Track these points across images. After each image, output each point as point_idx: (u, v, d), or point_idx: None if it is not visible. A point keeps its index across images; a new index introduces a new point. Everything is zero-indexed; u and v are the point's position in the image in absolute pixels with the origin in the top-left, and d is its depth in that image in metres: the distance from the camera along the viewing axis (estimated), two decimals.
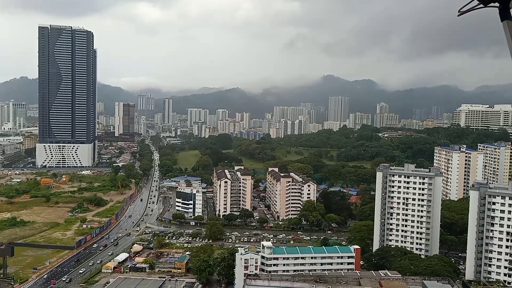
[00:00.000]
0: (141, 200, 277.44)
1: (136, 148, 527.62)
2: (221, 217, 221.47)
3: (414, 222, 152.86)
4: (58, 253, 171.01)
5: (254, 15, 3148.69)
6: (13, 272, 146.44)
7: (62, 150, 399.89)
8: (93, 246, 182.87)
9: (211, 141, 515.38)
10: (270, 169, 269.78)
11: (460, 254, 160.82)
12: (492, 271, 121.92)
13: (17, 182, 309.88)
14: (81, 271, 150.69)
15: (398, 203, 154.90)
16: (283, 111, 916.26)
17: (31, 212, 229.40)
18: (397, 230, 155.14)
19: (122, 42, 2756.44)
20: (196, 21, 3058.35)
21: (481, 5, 9.42)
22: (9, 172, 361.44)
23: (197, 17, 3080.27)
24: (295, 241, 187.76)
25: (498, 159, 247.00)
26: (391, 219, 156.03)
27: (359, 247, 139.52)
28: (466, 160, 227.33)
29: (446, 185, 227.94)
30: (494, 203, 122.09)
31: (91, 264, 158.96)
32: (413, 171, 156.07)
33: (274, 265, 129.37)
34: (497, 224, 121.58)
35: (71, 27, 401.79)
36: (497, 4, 9.37)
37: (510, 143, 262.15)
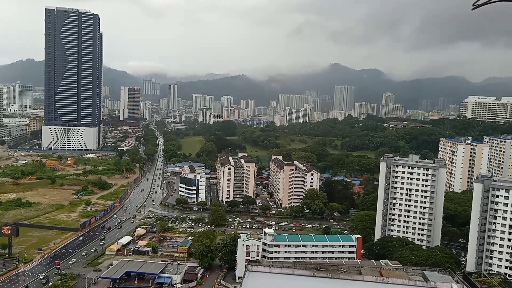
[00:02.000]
0: (147, 179, 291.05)
1: (140, 133, 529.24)
2: (224, 203, 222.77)
3: (416, 213, 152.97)
4: (62, 234, 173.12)
5: (262, 0, 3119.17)
6: (18, 252, 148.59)
7: (68, 132, 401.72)
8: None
9: (215, 128, 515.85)
10: (273, 156, 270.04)
11: (461, 246, 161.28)
12: (493, 264, 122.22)
13: (23, 163, 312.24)
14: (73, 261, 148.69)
15: (401, 193, 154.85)
16: (288, 99, 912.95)
17: (36, 194, 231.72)
18: (399, 221, 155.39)
19: (128, 25, 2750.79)
20: (203, 4, 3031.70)
21: None
22: (15, 153, 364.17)
23: (204, 1, 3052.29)
24: (297, 229, 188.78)
25: (503, 152, 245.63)
26: (394, 209, 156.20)
27: (360, 236, 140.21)
28: (471, 152, 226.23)
29: (450, 177, 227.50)
30: (498, 196, 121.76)
31: (84, 254, 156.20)
32: (417, 162, 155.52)
33: (275, 252, 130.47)
34: (500, 217, 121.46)
35: (78, 9, 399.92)
36: None
37: None
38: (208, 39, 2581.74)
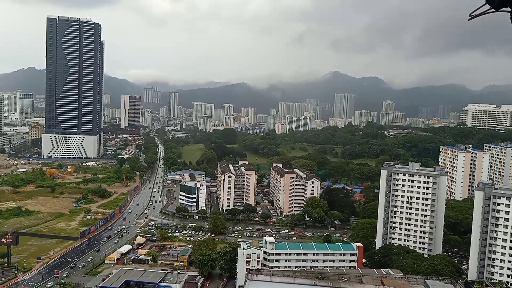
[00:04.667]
0: (149, 187, 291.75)
1: (141, 141, 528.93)
2: (224, 211, 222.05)
3: (417, 221, 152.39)
4: (62, 243, 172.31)
5: (264, 9, 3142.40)
6: (17, 261, 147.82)
7: (68, 141, 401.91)
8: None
9: (215, 136, 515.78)
10: (274, 164, 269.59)
11: (463, 254, 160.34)
12: (495, 272, 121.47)
13: (23, 171, 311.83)
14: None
15: (402, 201, 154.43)
16: (288, 107, 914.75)
17: (36, 202, 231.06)
18: (401, 229, 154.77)
19: (130, 34, 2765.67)
20: (205, 13, 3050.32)
21: (493, 10, 9.41)
22: (15, 161, 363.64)
23: (207, 10, 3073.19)
24: (298, 237, 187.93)
25: (504, 159, 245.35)
26: (395, 217, 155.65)
27: (361, 244, 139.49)
28: (471, 160, 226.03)
29: (451, 184, 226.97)
30: (499, 204, 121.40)
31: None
32: (417, 170, 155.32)
33: (276, 260, 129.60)
34: (501, 225, 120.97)
35: (79, 18, 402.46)
36: (509, 9, 9.38)
37: None
38: (209, 48, 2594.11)
